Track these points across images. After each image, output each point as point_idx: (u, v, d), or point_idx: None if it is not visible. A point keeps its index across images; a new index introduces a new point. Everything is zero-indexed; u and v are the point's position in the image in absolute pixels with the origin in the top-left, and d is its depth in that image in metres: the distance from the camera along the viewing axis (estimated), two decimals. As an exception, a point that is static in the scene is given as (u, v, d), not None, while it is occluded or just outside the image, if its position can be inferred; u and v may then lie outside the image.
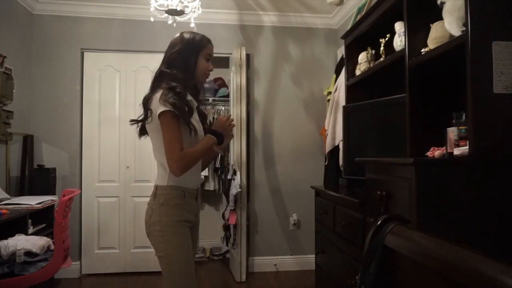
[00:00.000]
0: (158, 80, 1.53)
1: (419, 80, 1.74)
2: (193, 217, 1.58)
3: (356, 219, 1.88)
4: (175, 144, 1.42)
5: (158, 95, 1.44)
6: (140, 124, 1.57)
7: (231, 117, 1.48)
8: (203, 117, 1.72)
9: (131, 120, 1.58)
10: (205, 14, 3.29)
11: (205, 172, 3.81)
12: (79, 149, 3.47)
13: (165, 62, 1.56)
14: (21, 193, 3.14)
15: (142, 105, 1.51)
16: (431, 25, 1.64)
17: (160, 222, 1.48)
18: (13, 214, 2.28)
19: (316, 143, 3.73)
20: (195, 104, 1.62)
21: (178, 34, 1.60)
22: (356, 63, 2.56)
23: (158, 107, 1.42)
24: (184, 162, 1.43)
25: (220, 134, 1.55)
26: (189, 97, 1.56)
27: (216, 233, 4.16)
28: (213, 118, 3.88)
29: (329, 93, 3.38)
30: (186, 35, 1.58)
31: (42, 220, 2.81)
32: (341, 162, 2.85)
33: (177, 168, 1.42)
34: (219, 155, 3.56)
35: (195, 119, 1.55)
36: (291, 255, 3.69)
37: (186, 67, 1.53)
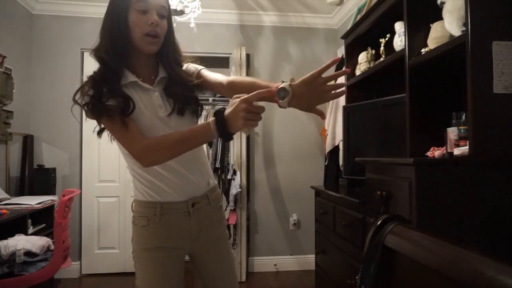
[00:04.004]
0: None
1: (419, 80, 1.74)
2: (179, 241, 1.18)
3: (356, 219, 1.88)
4: (126, 139, 1.08)
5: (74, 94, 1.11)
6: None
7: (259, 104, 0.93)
8: (175, 96, 1.15)
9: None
10: (205, 14, 3.29)
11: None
12: (79, 149, 3.47)
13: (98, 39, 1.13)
14: (21, 193, 3.14)
15: None
16: (431, 25, 1.64)
17: (132, 244, 1.21)
18: (13, 214, 2.28)
19: (316, 143, 3.73)
20: (156, 83, 1.16)
21: None
22: (356, 63, 2.56)
23: (85, 112, 1.12)
24: (147, 155, 1.05)
25: (224, 119, 0.94)
26: (130, 78, 1.11)
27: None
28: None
29: (329, 93, 3.38)
30: None
31: (42, 220, 2.81)
32: (341, 162, 2.85)
33: (140, 161, 1.07)
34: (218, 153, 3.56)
35: (140, 116, 1.11)
36: (291, 255, 3.69)
37: (115, 36, 1.08)
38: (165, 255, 1.17)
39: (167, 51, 1.18)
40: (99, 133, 1.17)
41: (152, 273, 1.15)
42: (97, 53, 1.11)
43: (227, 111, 0.95)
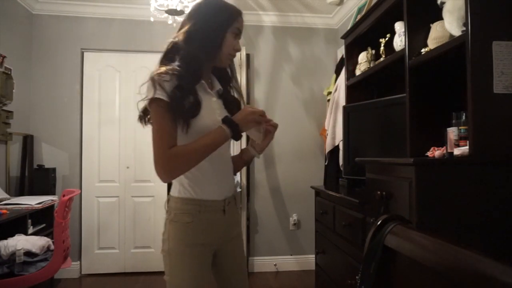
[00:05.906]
0: (171, 54, 1.21)
1: (419, 80, 1.74)
2: (214, 238, 1.25)
3: (356, 219, 1.88)
4: (162, 140, 1.10)
5: (154, 75, 1.13)
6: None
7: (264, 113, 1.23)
8: (232, 106, 1.33)
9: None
10: (205, 14, 3.28)
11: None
12: (79, 149, 3.47)
13: (182, 34, 1.20)
14: (21, 193, 3.14)
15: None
16: (431, 25, 1.64)
17: (168, 242, 1.22)
18: (13, 214, 2.28)
19: (316, 143, 3.73)
20: (214, 91, 1.29)
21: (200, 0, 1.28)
22: (356, 63, 2.56)
23: (149, 91, 1.11)
24: (173, 164, 1.09)
25: (237, 125, 1.15)
26: (203, 86, 1.23)
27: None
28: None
29: (329, 93, 3.38)
30: (212, 2, 1.27)
31: (42, 220, 2.81)
32: (341, 162, 2.84)
33: (162, 171, 1.09)
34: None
35: (205, 116, 1.19)
36: (291, 255, 3.69)
37: (208, 45, 1.20)
38: (204, 251, 1.23)
39: (227, 70, 1.36)
40: (141, 119, 1.24)
41: (195, 268, 1.20)
42: (191, 49, 1.18)
43: (235, 116, 1.17)
